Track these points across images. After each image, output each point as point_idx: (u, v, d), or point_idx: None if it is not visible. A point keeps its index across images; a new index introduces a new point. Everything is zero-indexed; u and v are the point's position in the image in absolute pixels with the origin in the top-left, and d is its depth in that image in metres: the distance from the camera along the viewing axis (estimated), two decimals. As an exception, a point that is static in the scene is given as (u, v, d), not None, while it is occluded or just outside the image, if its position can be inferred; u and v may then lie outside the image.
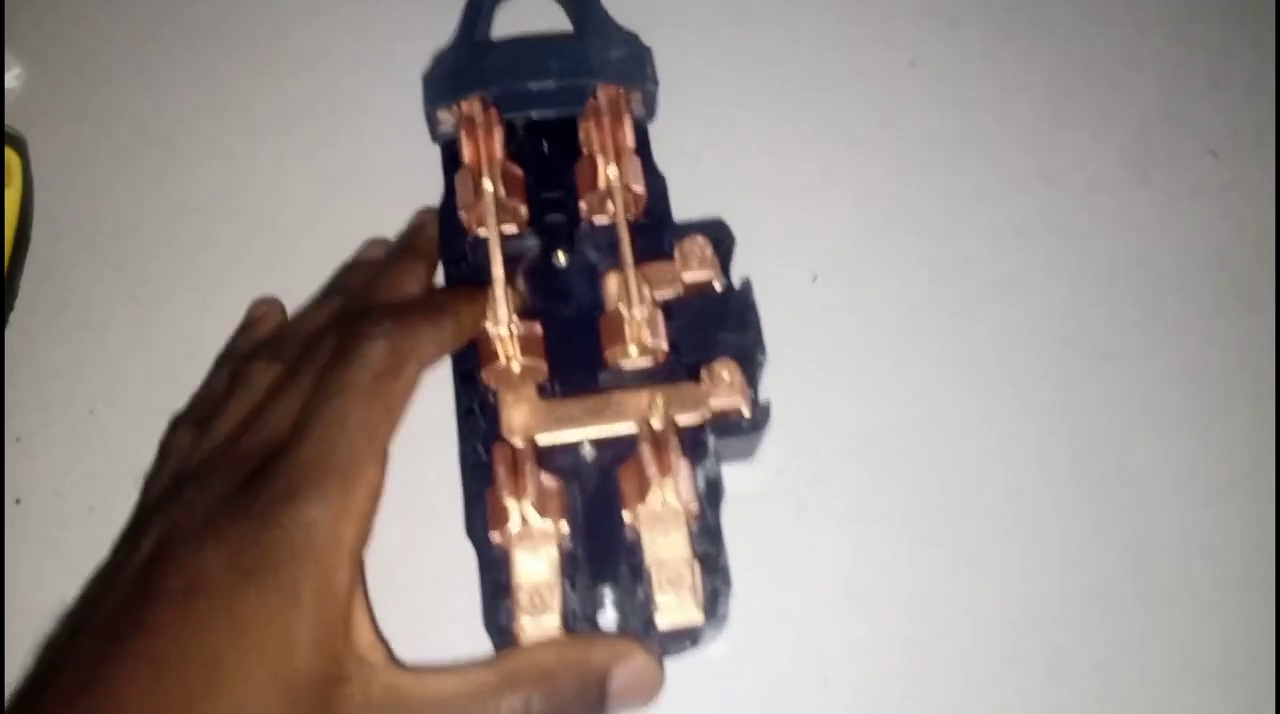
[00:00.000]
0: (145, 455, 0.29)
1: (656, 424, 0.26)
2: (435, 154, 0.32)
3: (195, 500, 0.22)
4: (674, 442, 0.26)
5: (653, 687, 0.24)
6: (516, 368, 0.27)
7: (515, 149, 0.31)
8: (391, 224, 0.33)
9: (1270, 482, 0.30)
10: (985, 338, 0.32)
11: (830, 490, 0.29)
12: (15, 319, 0.33)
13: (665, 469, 0.25)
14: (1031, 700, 0.27)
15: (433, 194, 0.32)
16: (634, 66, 0.31)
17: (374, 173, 0.34)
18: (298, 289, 0.32)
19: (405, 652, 0.26)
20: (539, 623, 0.25)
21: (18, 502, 0.30)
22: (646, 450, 0.25)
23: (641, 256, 0.29)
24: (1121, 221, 0.34)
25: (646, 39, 0.33)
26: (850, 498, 0.29)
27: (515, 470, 0.25)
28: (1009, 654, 0.28)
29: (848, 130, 0.35)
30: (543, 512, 0.25)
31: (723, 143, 0.33)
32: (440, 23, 0.34)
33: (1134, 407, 0.31)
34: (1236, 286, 0.32)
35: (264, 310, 0.31)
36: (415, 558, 0.28)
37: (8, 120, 0.35)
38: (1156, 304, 0.32)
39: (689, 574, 0.25)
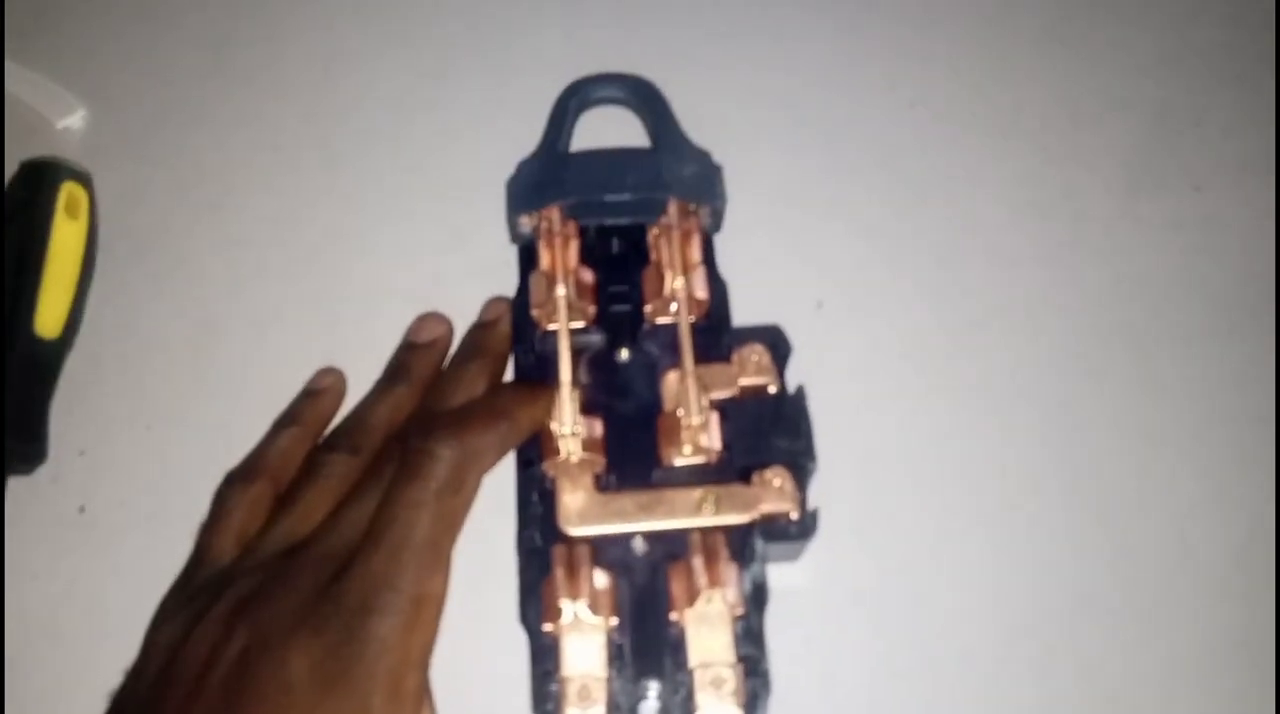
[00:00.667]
0: (199, 470, 0.31)
1: (706, 522, 0.28)
2: (466, 189, 0.36)
3: (282, 602, 0.25)
4: (722, 546, 0.27)
5: None
6: (575, 460, 0.29)
7: (586, 248, 0.32)
8: (437, 255, 0.36)
9: (1247, 494, 0.32)
10: (982, 360, 0.34)
11: (833, 512, 0.30)
12: (81, 342, 0.35)
13: (715, 580, 0.26)
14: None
15: (469, 232, 0.35)
16: (706, 184, 0.33)
17: (418, 208, 0.37)
18: (347, 316, 0.35)
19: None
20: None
21: (81, 510, 0.33)
22: (698, 561, 0.27)
23: (701, 358, 0.30)
24: (1109, 251, 0.36)
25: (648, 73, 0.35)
26: (855, 521, 0.31)
27: (573, 571, 0.27)
28: None
29: (853, 166, 0.38)
30: (594, 607, 0.27)
31: (733, 175, 0.34)
32: (479, 59, 0.37)
33: (1123, 421, 0.33)
34: (1218, 313, 0.35)
35: (327, 382, 0.33)
36: (468, 639, 0.29)
37: (73, 158, 0.37)
38: (1142, 328, 0.35)
39: (732, 677, 0.26)
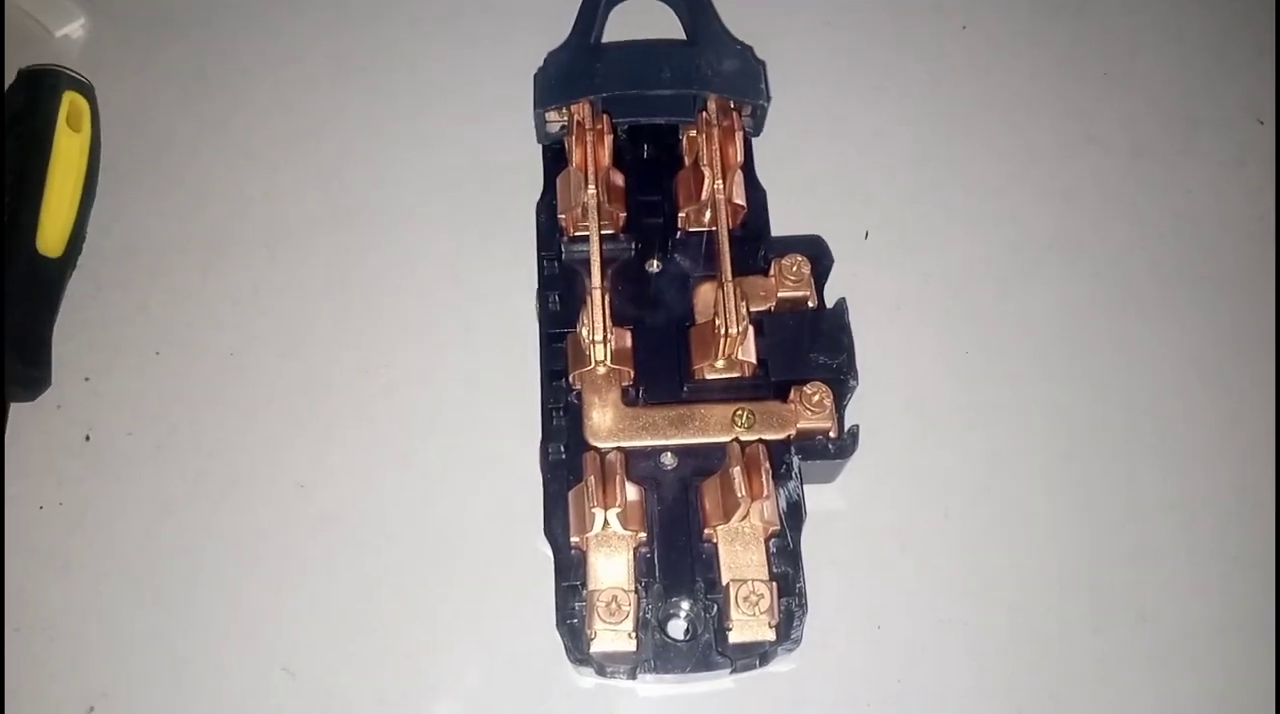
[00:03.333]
0: (208, 397, 0.32)
1: (743, 439, 0.28)
2: (485, 105, 0.36)
3: None
4: (758, 462, 0.27)
5: None
6: (603, 372, 0.29)
7: (616, 152, 0.32)
8: (454, 171, 0.35)
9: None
10: (1033, 295, 0.34)
11: (877, 441, 0.30)
12: (83, 263, 0.35)
13: (757, 493, 0.26)
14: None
15: (489, 147, 0.35)
16: (748, 80, 0.33)
17: (435, 124, 0.37)
18: (360, 235, 0.35)
19: (479, 653, 0.29)
20: (613, 629, 0.26)
21: (87, 438, 0.33)
22: (738, 472, 0.26)
23: (737, 269, 0.29)
24: (1168, 185, 0.36)
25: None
26: (898, 451, 0.31)
27: (605, 480, 0.27)
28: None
29: (902, 91, 0.37)
30: (623, 520, 0.27)
31: (777, 100, 0.34)
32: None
33: (1179, 361, 0.33)
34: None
35: None
36: (490, 558, 0.30)
37: (74, 68, 0.36)
38: (1201, 265, 0.34)
39: (767, 594, 0.26)
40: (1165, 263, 0.35)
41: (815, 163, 0.35)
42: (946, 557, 0.30)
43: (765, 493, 0.26)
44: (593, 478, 0.26)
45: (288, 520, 0.31)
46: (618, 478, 0.27)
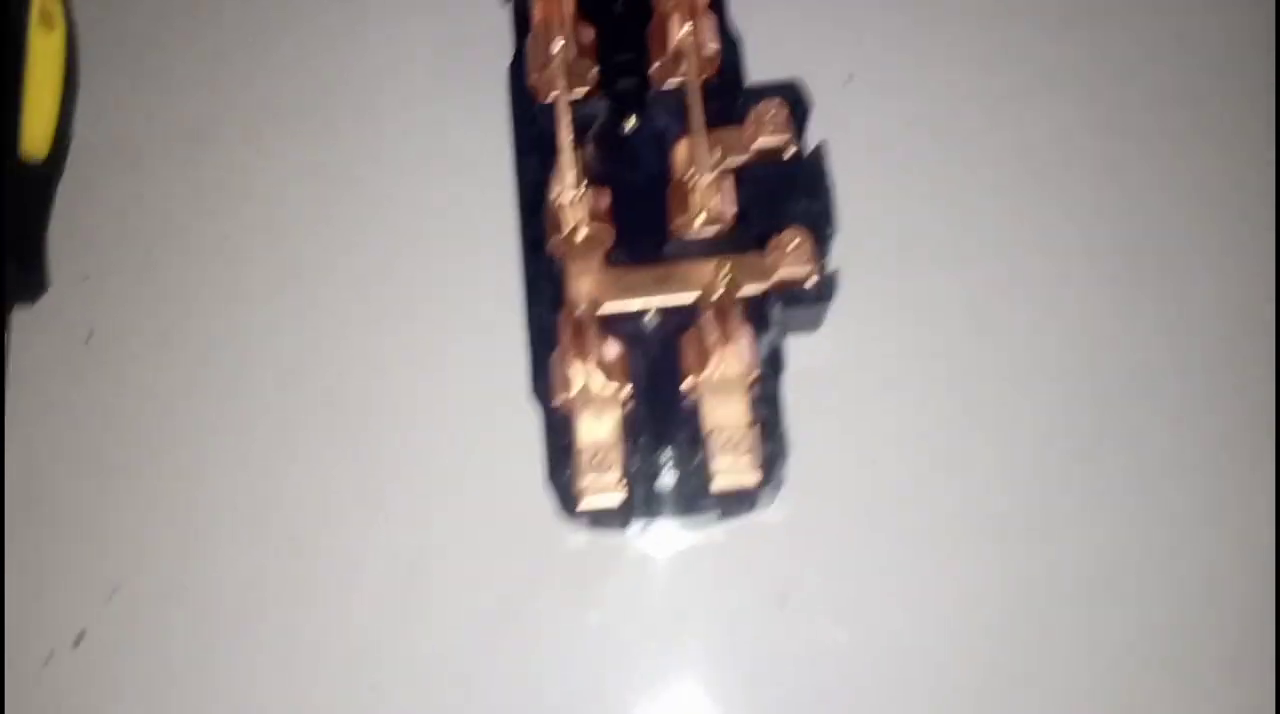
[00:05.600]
0: (203, 293, 0.34)
1: (721, 293, 0.30)
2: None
3: None
4: (735, 311, 0.28)
5: None
6: (582, 235, 0.30)
7: (587, 7, 0.32)
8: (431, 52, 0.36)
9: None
10: (1026, 131, 0.34)
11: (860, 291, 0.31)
12: (72, 164, 0.37)
13: (726, 338, 0.27)
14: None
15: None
16: None
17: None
18: (345, 118, 0.36)
19: (475, 515, 0.30)
20: (601, 481, 0.28)
21: (89, 338, 0.34)
22: (708, 319, 0.27)
23: (713, 121, 0.30)
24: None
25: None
26: (883, 301, 0.32)
27: (579, 334, 0.28)
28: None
29: None
30: (606, 375, 0.28)
31: None
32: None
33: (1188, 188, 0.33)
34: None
35: None
36: (482, 425, 0.32)
37: None
38: (1220, 89, 0.34)
39: (747, 439, 0.28)
40: (1171, 85, 0.34)
41: (793, 7, 0.35)
42: (935, 396, 0.31)
43: (737, 338, 0.27)
44: (567, 332, 0.28)
45: (286, 405, 0.33)
46: (591, 332, 0.28)
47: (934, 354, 0.32)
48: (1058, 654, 0.29)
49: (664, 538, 0.30)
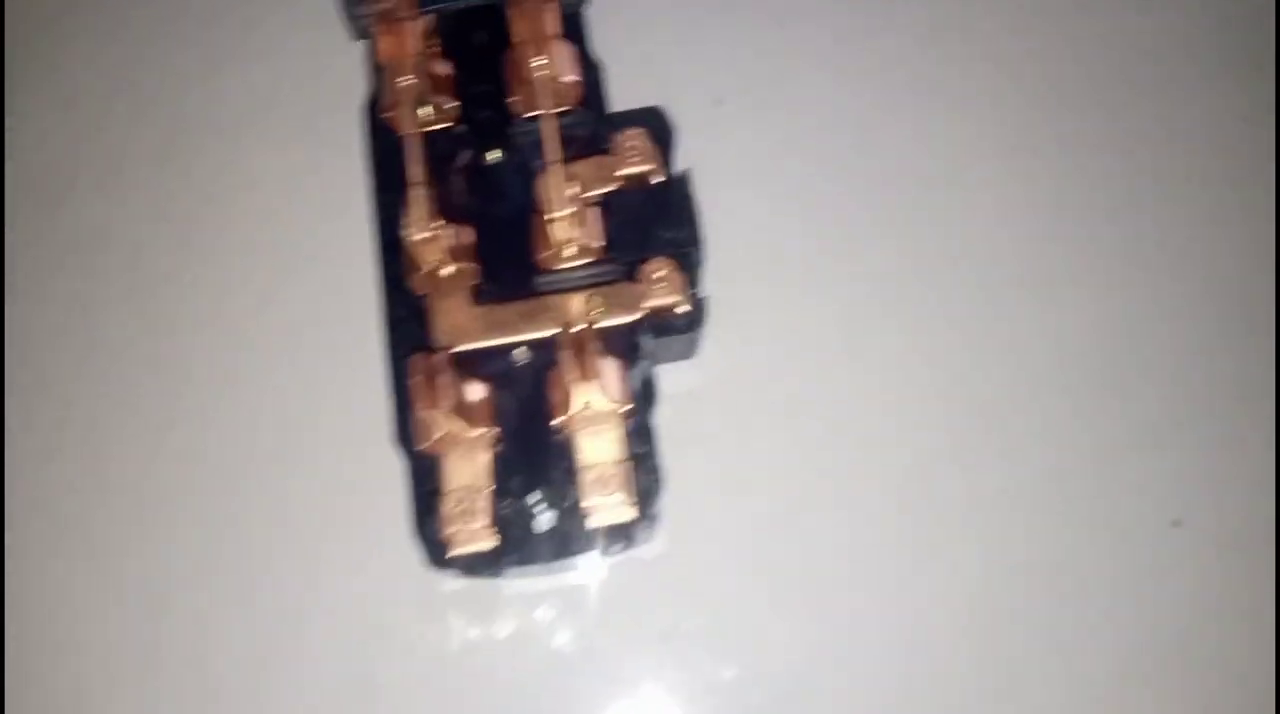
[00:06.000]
0: (60, 347, 0.32)
1: (597, 326, 0.29)
2: None
3: None
4: (595, 345, 0.27)
5: None
6: (446, 272, 0.29)
7: (445, 39, 0.32)
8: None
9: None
10: (900, 150, 0.33)
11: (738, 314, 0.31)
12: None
13: (587, 374, 0.27)
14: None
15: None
16: None
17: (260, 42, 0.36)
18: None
19: (348, 564, 0.30)
20: (469, 527, 0.27)
21: None
22: (567, 356, 0.27)
23: (580, 150, 0.30)
24: None
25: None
26: (759, 322, 0.32)
27: (430, 380, 0.27)
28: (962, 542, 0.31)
29: None
30: (467, 420, 0.27)
31: None
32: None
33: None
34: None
35: None
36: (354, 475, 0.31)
37: None
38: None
39: (620, 474, 0.27)
40: (1040, 97, 0.34)
41: (660, 25, 0.35)
42: (810, 420, 0.31)
43: (598, 373, 0.27)
44: (418, 379, 0.27)
45: (146, 458, 0.32)
46: (443, 377, 0.27)
47: (807, 377, 0.31)
48: (944, 683, 0.29)
49: (540, 581, 0.29)
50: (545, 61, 0.30)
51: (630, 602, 0.30)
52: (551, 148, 0.29)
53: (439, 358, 0.27)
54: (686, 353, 0.31)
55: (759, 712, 0.29)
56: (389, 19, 0.30)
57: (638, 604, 0.30)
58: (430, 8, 0.31)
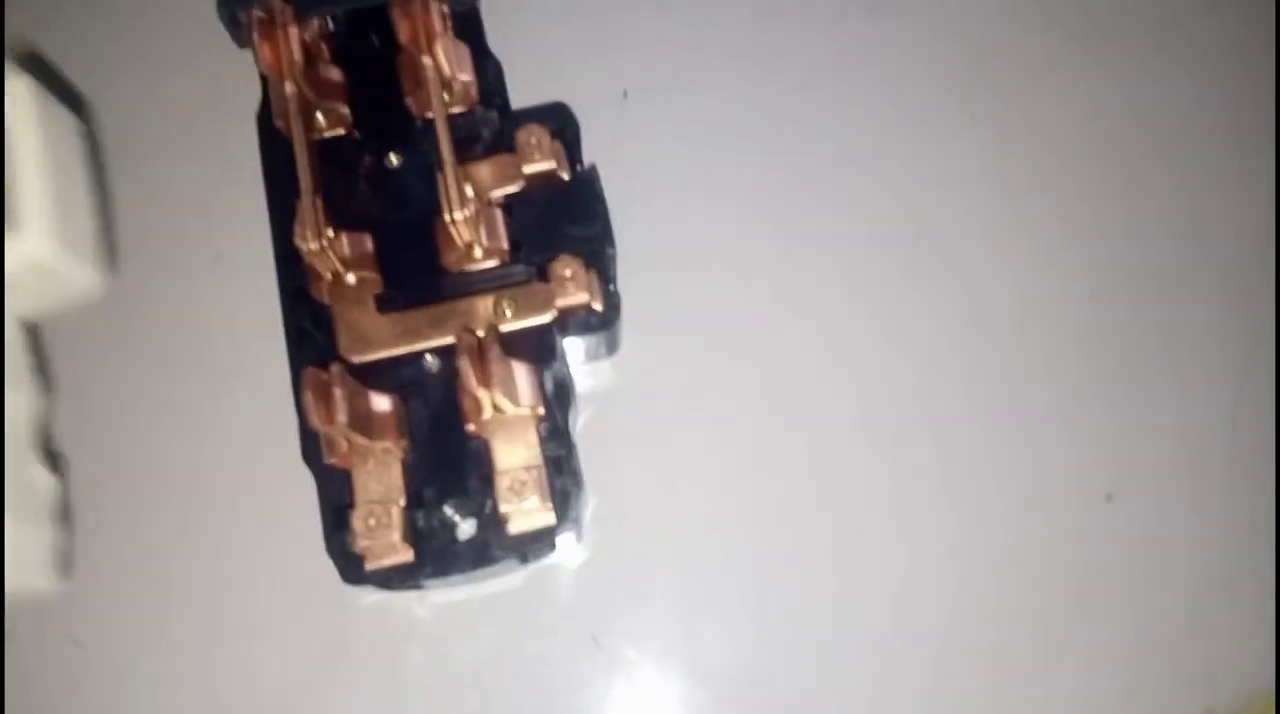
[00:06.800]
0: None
1: (502, 328, 0.28)
2: None
3: None
4: (495, 349, 0.27)
5: None
6: (351, 281, 0.29)
7: (338, 45, 0.31)
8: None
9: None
10: (812, 135, 0.33)
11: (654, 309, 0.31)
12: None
13: (484, 380, 0.26)
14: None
15: None
16: None
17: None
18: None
19: (264, 585, 0.29)
20: (383, 541, 0.26)
21: None
22: (465, 363, 0.26)
23: (485, 150, 0.30)
24: None
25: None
26: (676, 315, 0.31)
27: (326, 394, 0.26)
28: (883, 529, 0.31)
29: None
30: (375, 431, 0.27)
31: None
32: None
33: None
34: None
35: None
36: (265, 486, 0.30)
37: None
38: None
39: (533, 479, 0.27)
40: (957, 78, 0.34)
41: (563, 26, 0.35)
42: (728, 413, 0.31)
43: (500, 378, 0.26)
44: (309, 395, 0.26)
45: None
46: (335, 390, 0.26)
47: (723, 370, 0.31)
48: (878, 670, 0.29)
49: (462, 590, 0.29)
50: (432, 62, 0.29)
51: (556, 606, 0.29)
52: (446, 148, 0.28)
53: (334, 370, 0.26)
54: (609, 350, 0.30)
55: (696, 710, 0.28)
56: (266, 27, 0.29)
57: (565, 608, 0.29)
58: (312, 12, 0.31)
